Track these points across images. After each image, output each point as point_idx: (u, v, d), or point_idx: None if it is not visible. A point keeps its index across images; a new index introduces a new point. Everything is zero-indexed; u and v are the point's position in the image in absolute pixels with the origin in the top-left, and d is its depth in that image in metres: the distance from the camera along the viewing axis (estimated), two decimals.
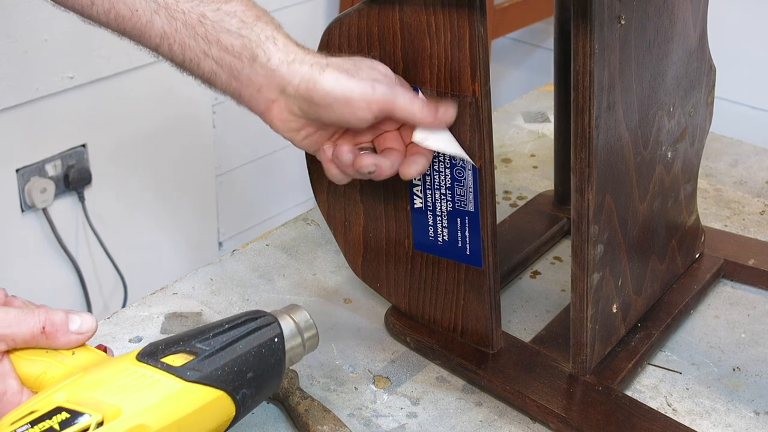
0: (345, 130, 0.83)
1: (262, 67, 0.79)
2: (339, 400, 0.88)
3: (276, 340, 0.72)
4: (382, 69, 0.81)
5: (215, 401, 0.67)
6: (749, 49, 2.10)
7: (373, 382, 0.90)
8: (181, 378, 0.67)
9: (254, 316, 0.74)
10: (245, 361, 0.69)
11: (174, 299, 1.02)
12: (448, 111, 0.81)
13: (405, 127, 0.82)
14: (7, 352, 0.75)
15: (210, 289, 1.03)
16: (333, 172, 0.83)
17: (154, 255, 2.10)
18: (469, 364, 0.90)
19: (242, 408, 0.70)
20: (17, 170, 1.79)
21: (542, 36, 2.58)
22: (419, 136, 0.80)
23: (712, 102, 1.02)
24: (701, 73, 0.97)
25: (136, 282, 2.01)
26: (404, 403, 0.88)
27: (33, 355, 0.73)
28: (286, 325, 0.75)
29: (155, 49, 0.83)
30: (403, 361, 0.93)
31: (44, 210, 1.84)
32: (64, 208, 1.89)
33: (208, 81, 0.83)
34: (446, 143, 0.82)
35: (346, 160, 0.81)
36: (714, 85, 1.01)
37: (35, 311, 0.78)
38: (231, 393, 0.68)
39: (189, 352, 0.69)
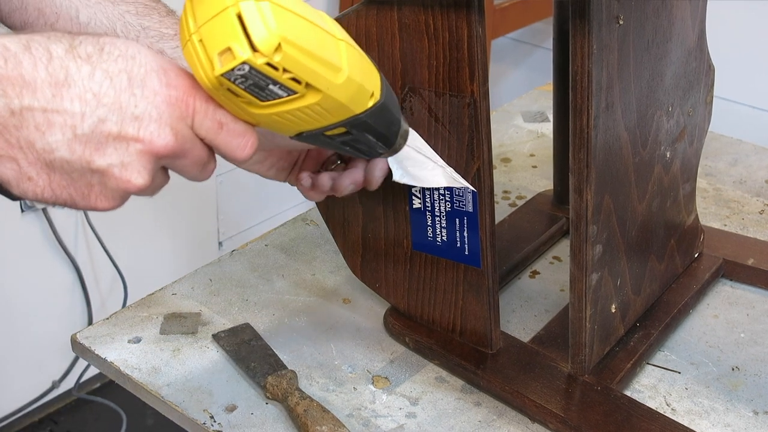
0: (307, 153, 0.86)
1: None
2: (338, 401, 0.88)
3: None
4: None
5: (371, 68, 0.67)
6: (748, 48, 2.10)
7: (372, 383, 0.90)
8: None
9: None
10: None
11: (173, 299, 1.02)
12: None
13: None
14: None
15: (209, 289, 1.03)
16: (309, 194, 0.86)
17: (153, 255, 2.10)
18: (468, 365, 0.90)
19: (382, 101, 0.68)
20: None
21: (542, 36, 2.58)
22: (396, 175, 0.83)
23: (711, 102, 1.02)
24: (700, 72, 0.97)
25: (136, 282, 2.01)
26: (403, 404, 0.88)
27: None
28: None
29: None
30: (402, 362, 0.93)
31: (44, 210, 1.84)
32: (64, 208, 1.89)
33: None
34: (428, 178, 0.84)
35: (306, 184, 0.84)
36: (713, 85, 1.01)
37: None
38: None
39: None
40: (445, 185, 0.84)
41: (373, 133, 0.69)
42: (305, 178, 0.84)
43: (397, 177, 0.83)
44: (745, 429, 0.85)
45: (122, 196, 0.63)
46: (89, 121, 0.59)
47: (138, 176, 0.62)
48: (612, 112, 0.81)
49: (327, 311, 1.00)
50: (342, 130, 0.66)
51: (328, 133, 0.66)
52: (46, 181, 0.61)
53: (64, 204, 0.64)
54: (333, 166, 0.85)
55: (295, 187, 0.86)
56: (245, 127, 0.64)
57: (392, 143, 0.72)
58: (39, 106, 0.58)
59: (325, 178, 0.83)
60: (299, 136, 0.66)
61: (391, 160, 0.83)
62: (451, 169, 0.84)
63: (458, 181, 0.84)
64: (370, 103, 0.67)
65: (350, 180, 0.83)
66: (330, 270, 1.07)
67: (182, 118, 0.62)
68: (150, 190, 0.64)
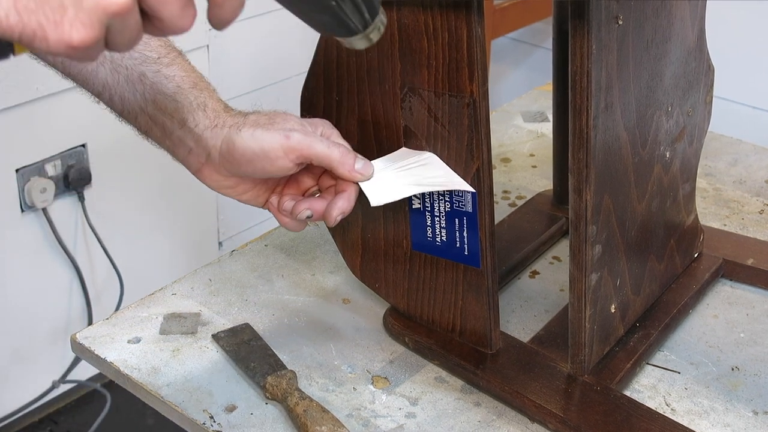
0: (288, 180, 0.86)
1: (191, 132, 0.84)
2: (337, 401, 0.88)
3: None
4: (296, 120, 0.84)
5: None
6: (748, 48, 2.10)
7: (372, 383, 0.90)
8: None
9: None
10: None
11: (173, 300, 1.02)
12: (366, 167, 0.83)
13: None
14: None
15: (209, 289, 1.03)
16: (284, 221, 0.86)
17: (153, 255, 2.10)
18: (468, 365, 0.90)
19: None
20: (17, 170, 1.79)
21: (541, 36, 2.58)
22: (373, 200, 0.82)
23: (711, 101, 1.02)
24: (699, 72, 0.97)
25: (136, 282, 2.01)
26: (403, 404, 0.88)
27: None
28: None
29: (97, 95, 0.87)
30: (402, 362, 0.93)
31: (44, 210, 1.84)
32: (64, 208, 1.89)
33: (145, 134, 0.87)
34: (401, 189, 0.83)
35: (287, 208, 0.85)
36: (712, 85, 1.01)
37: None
38: None
39: None
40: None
41: None
42: (287, 202, 0.85)
43: (374, 202, 0.83)
44: (745, 429, 0.85)
45: (100, 20, 0.55)
46: None
47: None
48: (611, 112, 0.81)
49: (327, 311, 1.00)
50: None
51: None
52: (11, 1, 0.54)
53: (32, 36, 0.55)
54: (317, 195, 0.86)
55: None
56: None
57: (376, 11, 0.67)
58: None
59: (302, 205, 0.83)
60: None
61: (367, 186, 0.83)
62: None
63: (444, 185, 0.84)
64: None
65: (339, 209, 0.82)
66: (330, 270, 1.07)
67: None
68: (128, 21, 0.57)
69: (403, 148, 0.87)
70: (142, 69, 0.85)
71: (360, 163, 0.82)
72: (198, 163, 0.85)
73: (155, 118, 0.85)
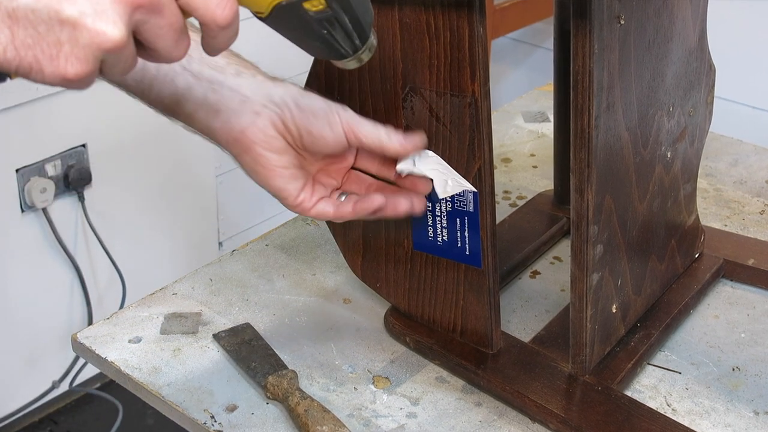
0: (315, 176, 0.83)
1: (248, 79, 0.80)
2: (338, 401, 0.88)
3: None
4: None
5: None
6: (748, 48, 2.10)
7: (373, 383, 0.90)
8: None
9: None
10: None
11: (173, 299, 1.02)
12: (412, 138, 0.81)
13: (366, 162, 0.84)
14: None
15: (209, 289, 1.03)
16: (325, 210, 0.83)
17: (153, 255, 2.10)
18: (469, 365, 0.90)
19: None
20: (17, 170, 1.79)
21: (542, 36, 2.58)
22: (401, 166, 0.83)
23: (712, 102, 1.02)
24: (701, 72, 0.97)
25: (136, 282, 2.01)
26: (404, 404, 0.88)
27: None
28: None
29: None
30: (403, 362, 0.93)
31: (44, 210, 1.84)
32: (64, 208, 1.89)
33: (177, 98, 0.80)
34: (435, 167, 0.84)
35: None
36: (714, 85, 1.01)
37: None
38: None
39: None
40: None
41: (351, 16, 0.67)
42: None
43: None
44: (746, 429, 0.85)
45: (95, 55, 0.56)
46: None
47: (114, 27, 0.56)
48: (613, 112, 0.81)
49: (327, 311, 1.00)
50: (322, 4, 0.64)
51: (307, 5, 0.64)
52: (9, 36, 0.55)
53: (29, 69, 0.56)
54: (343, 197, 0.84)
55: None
56: None
57: (366, 36, 0.70)
58: None
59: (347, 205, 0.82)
60: (277, 9, 0.63)
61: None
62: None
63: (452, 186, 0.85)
64: None
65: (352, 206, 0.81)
66: (330, 270, 1.07)
67: None
68: (123, 54, 0.58)
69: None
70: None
71: (404, 137, 0.80)
72: (252, 112, 0.78)
73: (200, 74, 0.80)
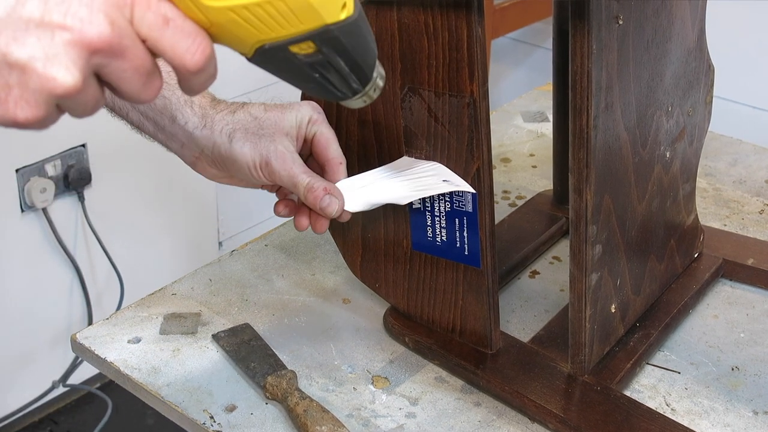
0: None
1: (181, 129, 0.84)
2: (338, 401, 0.88)
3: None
4: (286, 125, 0.84)
5: None
6: (748, 48, 2.10)
7: (372, 383, 0.90)
8: None
9: None
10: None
11: (173, 300, 1.02)
12: (330, 206, 0.82)
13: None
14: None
15: (209, 289, 1.03)
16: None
17: (153, 255, 2.10)
18: (468, 365, 0.90)
19: (356, 16, 0.59)
20: (17, 170, 1.79)
21: (542, 36, 2.58)
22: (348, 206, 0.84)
23: (711, 101, 1.02)
24: (700, 72, 0.97)
25: (136, 282, 2.01)
26: (403, 404, 0.88)
27: None
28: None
29: None
30: (402, 362, 0.93)
31: (44, 210, 1.84)
32: (64, 208, 1.89)
33: (137, 128, 0.88)
34: (372, 196, 0.85)
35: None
36: (713, 85, 1.01)
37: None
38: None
39: None
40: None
41: (347, 59, 0.61)
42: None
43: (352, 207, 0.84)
44: (745, 429, 0.85)
45: (46, 101, 0.53)
46: (4, 4, 0.51)
47: (66, 73, 0.52)
48: (611, 112, 0.81)
49: (327, 311, 1.00)
50: (311, 48, 0.58)
51: (295, 49, 0.58)
52: None
53: None
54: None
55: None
56: (195, 27, 0.55)
57: (368, 78, 0.65)
58: None
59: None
60: (260, 51, 0.58)
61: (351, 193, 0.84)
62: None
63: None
64: (343, 15, 0.58)
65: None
66: (330, 270, 1.07)
67: (119, 6, 0.52)
68: (81, 98, 0.54)
69: (405, 157, 0.87)
70: None
71: (326, 201, 0.82)
72: (192, 156, 0.86)
73: (146, 113, 0.85)
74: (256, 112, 0.84)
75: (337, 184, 0.84)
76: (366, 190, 0.84)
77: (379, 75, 0.67)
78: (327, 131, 0.85)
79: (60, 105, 0.55)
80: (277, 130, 0.83)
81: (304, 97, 0.89)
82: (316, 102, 0.87)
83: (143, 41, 0.54)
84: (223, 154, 0.83)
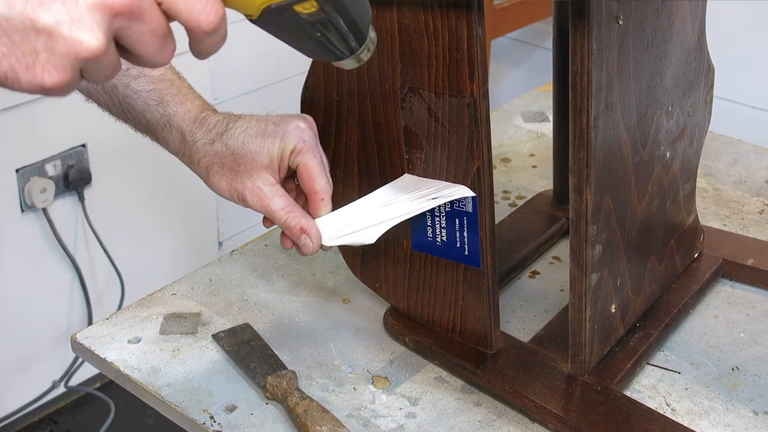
0: None
1: (168, 147, 0.87)
2: (338, 401, 0.88)
3: None
4: (264, 159, 0.83)
5: None
6: (748, 48, 2.10)
7: (372, 383, 0.90)
8: None
9: None
10: None
11: (173, 300, 1.02)
12: (306, 246, 0.84)
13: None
14: None
15: (209, 289, 1.03)
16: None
17: (153, 255, 2.10)
18: (468, 365, 0.90)
19: None
20: (17, 170, 1.79)
21: (542, 36, 2.58)
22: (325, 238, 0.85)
23: (711, 101, 1.02)
24: (700, 72, 0.97)
25: (136, 282, 2.01)
26: (403, 404, 0.88)
27: None
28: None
29: (88, 98, 0.90)
30: (402, 362, 0.93)
31: (44, 210, 1.84)
32: (64, 208, 1.89)
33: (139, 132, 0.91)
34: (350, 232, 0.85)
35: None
36: (713, 85, 1.01)
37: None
38: None
39: None
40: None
41: (346, 17, 0.64)
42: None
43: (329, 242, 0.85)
44: (745, 429, 0.85)
45: (72, 65, 0.55)
46: None
47: (91, 35, 0.54)
48: (612, 112, 0.81)
49: (327, 311, 1.00)
50: (314, 6, 0.61)
51: (298, 8, 0.61)
52: None
53: (5, 78, 0.55)
54: None
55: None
56: None
57: (363, 37, 0.67)
58: None
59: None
60: (267, 11, 0.60)
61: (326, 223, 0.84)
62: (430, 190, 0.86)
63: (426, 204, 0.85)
64: None
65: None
66: (330, 270, 1.07)
67: None
68: (103, 62, 0.56)
69: (406, 175, 0.87)
70: (113, 81, 0.85)
71: (302, 240, 0.83)
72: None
73: (137, 126, 0.88)
74: (235, 144, 0.83)
75: (318, 220, 0.84)
76: (348, 225, 0.84)
77: (370, 39, 0.69)
78: (312, 162, 0.83)
79: (83, 69, 0.56)
80: (254, 165, 0.82)
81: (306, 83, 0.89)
82: (310, 118, 0.85)
83: (159, 4, 0.56)
84: (208, 183, 0.85)
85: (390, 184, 0.87)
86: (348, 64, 0.69)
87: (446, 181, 0.86)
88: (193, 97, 0.87)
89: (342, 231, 0.84)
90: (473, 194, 0.84)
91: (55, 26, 0.53)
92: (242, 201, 0.83)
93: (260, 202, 0.82)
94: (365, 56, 0.69)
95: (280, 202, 0.83)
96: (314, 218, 0.84)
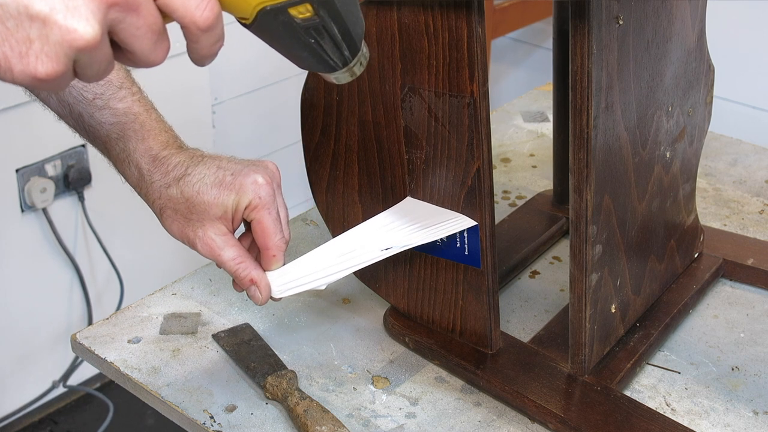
0: None
1: (127, 180, 0.88)
2: (338, 401, 0.88)
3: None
4: (217, 211, 0.83)
5: None
6: (748, 48, 2.10)
7: (372, 383, 0.90)
8: None
9: None
10: None
11: (173, 300, 1.02)
12: (255, 298, 0.83)
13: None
14: None
15: (209, 289, 1.03)
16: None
17: (153, 255, 2.10)
18: (468, 365, 0.90)
19: None
20: (17, 170, 1.79)
21: (542, 36, 2.58)
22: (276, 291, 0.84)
23: (711, 101, 1.02)
24: (700, 72, 0.97)
25: (136, 282, 2.01)
26: (403, 404, 0.88)
27: None
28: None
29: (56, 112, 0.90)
30: (402, 362, 0.93)
31: (44, 210, 1.84)
32: (64, 208, 1.89)
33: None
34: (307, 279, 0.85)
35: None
36: (713, 85, 1.01)
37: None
38: None
39: None
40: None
41: (340, 25, 0.64)
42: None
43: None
44: (745, 429, 0.85)
45: (66, 54, 0.54)
46: None
47: (86, 24, 0.53)
48: (612, 112, 0.81)
49: (327, 311, 1.00)
50: (309, 11, 0.61)
51: (293, 12, 0.61)
52: None
53: None
54: None
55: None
56: None
57: (357, 48, 0.67)
58: None
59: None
60: (262, 13, 0.60)
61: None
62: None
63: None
64: None
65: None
66: None
67: None
68: (97, 54, 0.55)
69: (408, 198, 0.87)
70: (79, 109, 0.85)
71: (251, 291, 0.83)
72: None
73: (103, 154, 0.89)
74: (190, 192, 0.82)
75: (269, 273, 0.84)
76: (301, 278, 0.84)
77: (365, 47, 0.69)
78: (266, 219, 0.83)
79: (76, 62, 0.55)
80: (207, 216, 0.83)
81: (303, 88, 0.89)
82: (273, 168, 0.85)
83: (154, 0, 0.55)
84: (163, 225, 0.86)
85: (392, 208, 0.87)
86: (341, 77, 0.69)
87: (446, 182, 0.86)
88: (157, 132, 0.85)
89: (294, 283, 0.84)
90: (474, 223, 0.84)
91: (49, 14, 0.52)
92: (193, 248, 0.83)
93: (211, 252, 0.83)
94: (358, 70, 0.69)
95: (230, 252, 0.83)
96: (265, 271, 0.84)
